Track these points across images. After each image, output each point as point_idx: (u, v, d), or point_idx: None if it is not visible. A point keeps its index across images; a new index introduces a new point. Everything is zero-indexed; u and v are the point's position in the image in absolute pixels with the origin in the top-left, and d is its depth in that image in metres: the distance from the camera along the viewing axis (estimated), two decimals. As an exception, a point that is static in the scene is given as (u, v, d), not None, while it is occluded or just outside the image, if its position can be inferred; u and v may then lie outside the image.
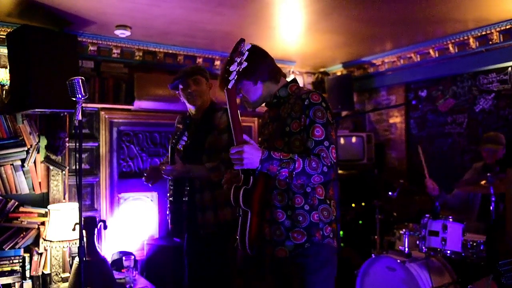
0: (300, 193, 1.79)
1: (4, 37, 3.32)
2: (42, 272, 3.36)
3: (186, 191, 2.55)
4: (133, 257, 3.49)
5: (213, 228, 2.51)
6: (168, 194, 2.62)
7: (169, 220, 2.60)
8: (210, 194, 2.50)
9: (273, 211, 1.83)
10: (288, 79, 2.01)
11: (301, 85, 2.02)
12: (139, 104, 4.11)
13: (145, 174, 2.71)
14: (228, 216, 2.50)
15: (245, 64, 1.65)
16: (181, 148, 2.65)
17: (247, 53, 1.65)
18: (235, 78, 1.64)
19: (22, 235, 3.29)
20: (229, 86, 1.64)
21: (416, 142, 4.91)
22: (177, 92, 2.69)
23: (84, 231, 2.44)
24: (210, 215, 2.51)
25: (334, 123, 1.83)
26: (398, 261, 3.22)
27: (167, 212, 2.62)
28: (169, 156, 2.51)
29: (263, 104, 1.99)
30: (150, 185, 2.72)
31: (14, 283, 3.21)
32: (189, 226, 2.59)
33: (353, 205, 4.92)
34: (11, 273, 3.21)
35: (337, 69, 5.53)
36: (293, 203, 1.79)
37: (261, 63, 1.88)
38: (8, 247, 3.21)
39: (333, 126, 1.79)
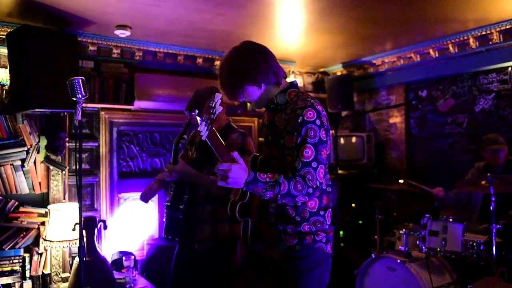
0: (290, 205, 1.81)
1: (4, 37, 3.33)
2: (42, 272, 3.36)
3: (184, 199, 2.55)
4: (133, 257, 3.49)
5: (209, 243, 2.49)
6: (167, 199, 2.62)
7: (164, 227, 2.59)
8: (210, 207, 2.50)
9: (269, 216, 1.89)
10: (288, 79, 1.98)
11: (300, 85, 2.01)
12: (139, 104, 4.11)
13: (141, 194, 2.75)
14: (226, 233, 2.50)
15: (219, 109, 1.65)
16: (195, 153, 2.65)
17: (219, 101, 1.65)
18: (208, 129, 1.64)
19: (22, 235, 3.29)
20: (203, 139, 1.67)
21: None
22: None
23: (84, 231, 2.44)
24: (208, 228, 2.49)
25: (328, 139, 1.78)
26: (398, 261, 3.22)
27: (164, 218, 2.61)
28: (172, 154, 2.51)
29: None
30: (145, 203, 2.76)
31: (14, 283, 3.21)
32: (185, 238, 2.57)
33: (353, 205, 4.92)
34: (11, 273, 3.21)
35: (337, 69, 5.53)
36: (285, 214, 1.82)
37: (262, 64, 1.81)
38: (8, 247, 3.21)
39: (325, 144, 1.75)
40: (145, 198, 2.74)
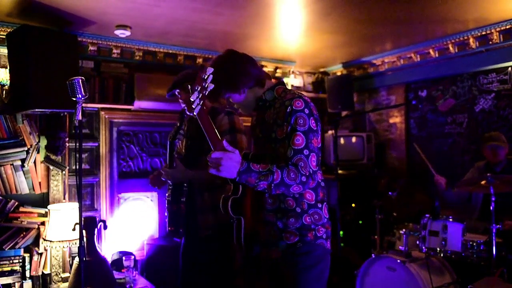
0: (291, 196, 1.81)
1: (4, 37, 3.33)
2: (42, 272, 3.36)
3: (184, 192, 2.55)
4: (133, 257, 3.49)
5: (213, 229, 2.50)
6: (166, 194, 2.62)
7: (167, 221, 2.60)
8: (210, 196, 2.50)
9: (266, 214, 1.86)
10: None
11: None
12: (139, 104, 4.11)
13: (151, 178, 2.72)
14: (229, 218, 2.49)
15: (211, 86, 1.65)
16: (179, 145, 2.65)
17: (210, 76, 1.65)
18: (200, 104, 1.63)
19: (22, 235, 3.29)
20: (195, 113, 1.65)
21: (416, 142, 4.91)
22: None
23: (84, 231, 2.44)
24: (210, 216, 2.50)
25: (319, 129, 1.80)
26: (398, 261, 3.22)
27: (165, 213, 2.62)
28: (168, 153, 2.50)
29: None
30: (157, 188, 2.74)
31: (14, 283, 3.21)
32: (188, 227, 2.57)
33: (353, 205, 4.92)
34: (11, 273, 3.21)
35: (337, 69, 5.53)
36: (285, 206, 1.81)
37: (242, 72, 1.86)
38: (8, 247, 3.21)
39: (315, 133, 1.76)
40: (153, 183, 2.71)
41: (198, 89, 1.63)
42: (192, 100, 1.62)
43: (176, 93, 2.63)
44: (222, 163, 1.61)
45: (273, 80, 2.01)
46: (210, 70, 1.66)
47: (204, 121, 1.65)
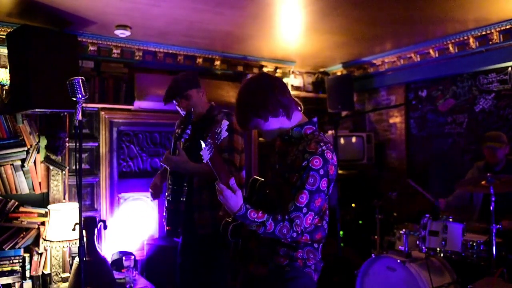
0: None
1: (4, 37, 3.33)
2: (42, 272, 3.37)
3: (184, 191, 2.55)
4: (133, 257, 3.50)
5: (211, 228, 2.50)
6: (166, 193, 2.62)
7: (164, 220, 2.59)
8: (208, 194, 2.50)
9: (261, 237, 1.84)
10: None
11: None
12: (139, 104, 4.11)
13: (151, 192, 2.76)
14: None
15: (224, 134, 1.67)
16: (183, 141, 2.67)
17: (224, 128, 1.67)
18: (211, 151, 1.65)
19: (22, 235, 3.29)
20: (204, 161, 1.67)
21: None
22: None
23: (84, 231, 2.44)
24: (208, 215, 2.51)
25: (330, 189, 1.79)
26: (398, 261, 3.22)
27: (164, 212, 2.61)
28: (172, 143, 2.52)
29: None
30: (154, 198, 2.78)
31: (14, 283, 3.22)
32: (187, 225, 2.58)
33: (353, 205, 4.92)
34: (11, 273, 3.22)
35: (337, 69, 5.53)
36: (279, 240, 1.81)
37: (270, 98, 1.80)
38: (8, 247, 3.21)
39: (322, 193, 1.73)
40: (155, 196, 2.74)
41: (209, 143, 1.64)
42: (202, 154, 1.64)
43: (174, 101, 2.67)
44: (220, 199, 1.69)
45: (302, 114, 1.94)
46: (225, 123, 1.67)
47: (215, 164, 1.67)
